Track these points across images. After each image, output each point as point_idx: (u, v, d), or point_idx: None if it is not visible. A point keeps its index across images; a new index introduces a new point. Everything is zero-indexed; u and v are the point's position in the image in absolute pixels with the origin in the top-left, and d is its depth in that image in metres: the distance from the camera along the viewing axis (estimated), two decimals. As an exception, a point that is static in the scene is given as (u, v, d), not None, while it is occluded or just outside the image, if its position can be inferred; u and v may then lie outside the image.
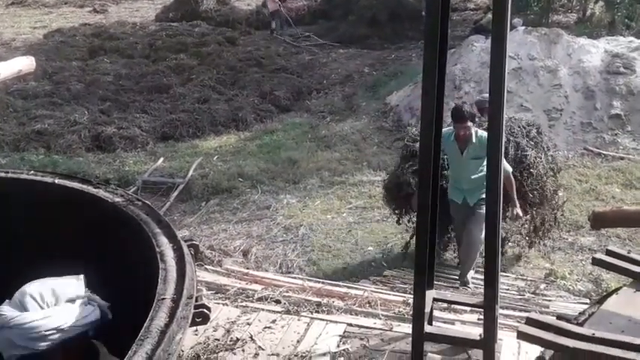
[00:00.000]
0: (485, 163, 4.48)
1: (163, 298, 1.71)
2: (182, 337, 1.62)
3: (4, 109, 10.15)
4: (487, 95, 5.48)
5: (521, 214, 5.33)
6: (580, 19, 17.05)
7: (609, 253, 2.55)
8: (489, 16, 15.78)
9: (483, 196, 5.01)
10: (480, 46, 10.52)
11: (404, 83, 11.04)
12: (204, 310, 1.78)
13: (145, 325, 1.59)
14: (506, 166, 4.73)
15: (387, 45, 15.09)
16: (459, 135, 5.21)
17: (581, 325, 2.03)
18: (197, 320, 1.75)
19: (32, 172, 2.42)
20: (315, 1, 18.97)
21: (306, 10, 18.36)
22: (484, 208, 4.69)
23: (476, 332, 2.82)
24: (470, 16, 17.28)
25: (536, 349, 2.82)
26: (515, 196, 5.24)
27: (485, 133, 4.79)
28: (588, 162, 8.82)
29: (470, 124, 5.16)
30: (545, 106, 9.59)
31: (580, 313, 2.18)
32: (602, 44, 10.28)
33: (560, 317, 2.17)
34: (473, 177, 5.35)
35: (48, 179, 2.27)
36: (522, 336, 2.01)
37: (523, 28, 10.94)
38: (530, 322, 2.00)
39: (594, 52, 9.97)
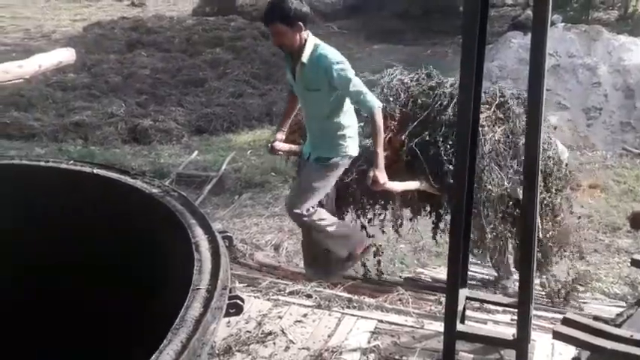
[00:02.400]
0: (333, 100, 3.77)
1: (198, 289, 1.72)
2: (216, 327, 1.63)
3: (43, 101, 10.32)
4: None
5: (381, 179, 3.66)
6: (621, 17, 16.71)
7: (649, 254, 2.50)
8: (528, 12, 15.62)
9: (329, 155, 3.86)
10: (518, 42, 10.40)
11: (439, 80, 10.96)
12: (238, 302, 1.79)
13: (180, 314, 1.60)
14: (370, 101, 3.63)
15: (421, 40, 14.99)
16: (279, 47, 3.81)
17: (618, 326, 2.00)
18: (231, 311, 1.76)
19: (72, 162, 2.46)
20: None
21: (340, 5, 18.34)
22: (325, 167, 3.91)
23: (509, 332, 2.79)
24: (508, 12, 17.08)
25: (571, 351, 2.80)
26: (381, 151, 3.68)
27: (326, 50, 3.69)
28: (627, 162, 8.67)
29: (285, 27, 3.55)
30: (583, 104, 9.44)
31: (618, 315, 2.15)
32: (644, 42, 10.05)
33: (597, 318, 2.14)
34: (312, 121, 3.95)
35: (87, 169, 2.31)
36: (558, 336, 1.98)
37: (562, 24, 10.78)
38: (566, 322, 1.98)
39: (635, 50, 9.78)
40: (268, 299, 3.61)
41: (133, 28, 15.78)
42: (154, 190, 2.18)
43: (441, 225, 4.50)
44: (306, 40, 3.66)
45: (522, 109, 4.17)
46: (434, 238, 4.69)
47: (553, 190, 4.36)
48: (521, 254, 2.58)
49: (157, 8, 20.50)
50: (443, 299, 3.59)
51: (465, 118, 2.39)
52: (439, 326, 3.15)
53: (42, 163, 2.42)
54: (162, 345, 1.49)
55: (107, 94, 10.76)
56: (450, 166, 3.78)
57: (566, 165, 4.72)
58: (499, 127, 4.10)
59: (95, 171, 2.29)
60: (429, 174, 3.97)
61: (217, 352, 3.01)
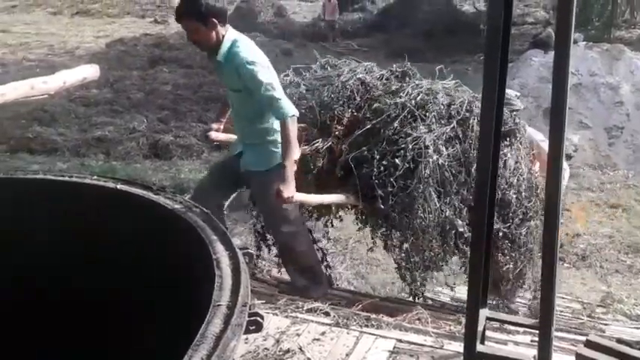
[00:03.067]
0: (257, 101, 3.47)
1: (219, 305, 1.72)
2: (236, 344, 1.63)
3: (66, 116, 10.47)
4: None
5: (286, 193, 3.27)
6: (644, 36, 16.61)
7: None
8: (549, 30, 15.56)
9: (259, 168, 3.65)
10: (539, 60, 10.38)
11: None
12: (258, 319, 1.79)
13: (201, 331, 1.61)
14: (283, 108, 3.37)
15: (441, 58, 14.99)
16: (195, 44, 3.63)
17: (642, 350, 1.97)
18: (250, 328, 1.76)
19: (95, 177, 2.48)
20: (372, 13, 19.03)
21: (361, 23, 18.44)
22: (264, 183, 3.59)
23: (530, 353, 2.77)
24: (528, 30, 17.06)
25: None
26: (290, 164, 3.33)
27: (240, 48, 3.47)
28: (649, 182, 8.59)
29: (197, 23, 3.38)
30: (605, 123, 9.39)
31: (642, 338, 2.12)
32: (666, 61, 10.01)
33: (620, 341, 2.11)
34: (240, 123, 3.80)
35: (110, 184, 2.33)
36: (581, 358, 1.96)
37: (584, 43, 10.75)
38: (589, 344, 1.96)
39: (658, 69, 9.72)
40: (286, 316, 3.60)
41: (155, 44, 16.02)
42: (176, 206, 2.20)
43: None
44: (223, 37, 3.48)
45: None
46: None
47: (515, 221, 3.70)
48: (542, 276, 2.56)
49: (179, 25, 20.66)
50: (462, 319, 3.58)
51: (487, 134, 2.39)
52: (458, 346, 3.13)
53: (65, 178, 2.45)
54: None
55: (129, 110, 10.89)
56: (381, 191, 3.43)
57: (566, 187, 4.59)
58: (451, 148, 3.53)
59: (118, 186, 2.30)
60: (359, 192, 3.57)
61: (235, 369, 3.01)
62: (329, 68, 4.15)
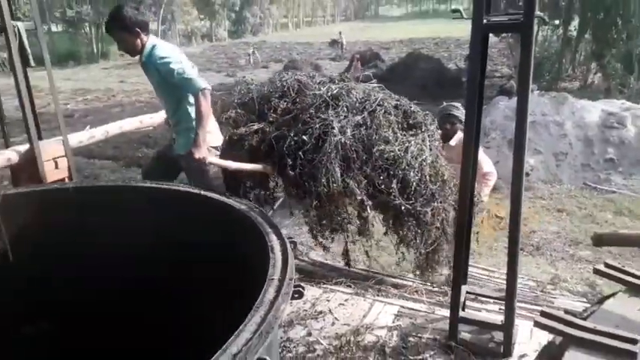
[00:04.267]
0: (176, 92, 3.18)
1: (272, 279, 1.72)
2: (285, 307, 1.62)
3: (164, 140, 10.54)
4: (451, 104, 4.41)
5: (196, 155, 3.11)
6: (582, 86, 16.37)
7: (607, 265, 2.39)
8: (512, 82, 15.36)
9: (184, 150, 3.29)
10: (504, 104, 10.26)
11: (445, 131, 10.87)
12: (300, 289, 1.78)
13: (259, 297, 1.61)
14: (194, 84, 3.10)
15: (435, 103, 14.89)
16: (125, 53, 3.30)
17: (584, 319, 1.91)
18: (295, 296, 1.75)
19: (181, 185, 2.50)
20: (382, 69, 19.00)
21: (372, 77, 18.45)
22: (188, 161, 3.18)
23: (498, 318, 2.71)
24: (497, 82, 16.83)
25: (544, 334, 2.68)
26: (202, 132, 3.13)
27: (156, 49, 3.20)
28: (586, 194, 8.41)
29: (124, 33, 3.15)
30: (553, 150, 9.25)
31: (584, 310, 2.06)
32: (599, 105, 9.87)
33: (567, 312, 2.05)
34: (169, 113, 3.45)
35: (196, 191, 2.35)
36: (538, 325, 1.90)
37: (538, 91, 10.64)
38: (544, 314, 1.90)
39: (593, 111, 9.58)
40: (319, 287, 3.59)
41: (227, 91, 16.08)
42: (242, 207, 2.20)
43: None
44: (146, 42, 3.23)
45: (392, 115, 3.28)
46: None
47: (420, 200, 3.11)
48: (508, 261, 2.51)
49: (242, 76, 20.79)
50: (448, 291, 3.52)
51: (469, 157, 2.36)
52: (445, 312, 3.08)
53: (164, 186, 2.46)
54: (247, 318, 1.50)
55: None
56: (290, 160, 3.06)
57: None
58: (357, 132, 3.12)
59: (202, 192, 2.32)
60: (277, 164, 3.21)
61: (283, 324, 3.00)
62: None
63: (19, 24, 3.27)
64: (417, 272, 3.57)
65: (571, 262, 6.13)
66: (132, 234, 2.24)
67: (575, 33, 16.78)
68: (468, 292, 2.92)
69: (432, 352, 2.70)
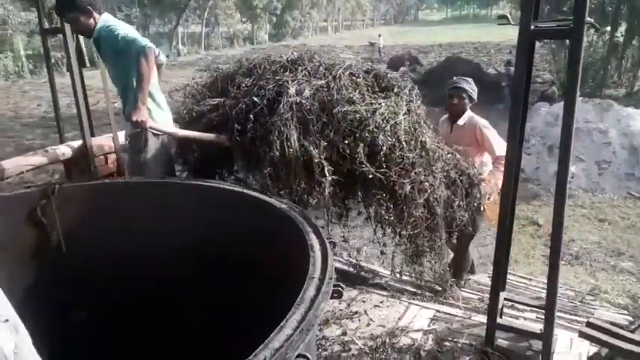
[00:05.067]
0: (125, 65, 3.00)
1: (312, 277, 1.73)
2: (324, 305, 1.63)
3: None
4: (461, 77, 4.17)
5: (134, 117, 2.90)
6: (628, 93, 15.76)
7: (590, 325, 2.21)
8: (553, 88, 14.93)
9: (136, 129, 3.08)
10: (545, 110, 10.02)
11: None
12: (340, 289, 1.78)
13: (300, 294, 1.62)
14: (139, 44, 2.93)
15: (472, 108, 14.55)
16: (79, 34, 3.21)
17: (632, 332, 1.84)
18: (334, 295, 1.75)
19: (225, 183, 2.54)
20: (420, 73, 18.83)
21: (413, 79, 18.26)
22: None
23: (536, 327, 2.63)
24: (538, 88, 16.41)
25: (585, 345, 2.59)
26: (142, 93, 2.92)
27: (106, 22, 3.09)
28: (630, 204, 8.11)
29: (76, 14, 3.05)
30: (596, 158, 8.95)
31: (630, 323, 1.98)
32: (646, 112, 9.49)
33: (613, 324, 1.98)
34: (119, 89, 3.25)
35: (238, 189, 2.38)
36: (583, 335, 1.84)
37: (581, 98, 10.34)
38: (590, 325, 1.84)
39: (638, 118, 9.21)
40: (355, 288, 3.58)
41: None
42: (282, 206, 2.22)
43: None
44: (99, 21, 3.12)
45: (361, 78, 2.95)
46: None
47: (395, 169, 2.74)
48: (549, 266, 2.44)
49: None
50: (485, 298, 3.45)
51: (511, 163, 2.31)
52: (482, 318, 3.02)
53: (208, 183, 2.50)
54: (288, 314, 1.51)
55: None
56: (237, 125, 2.82)
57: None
58: (318, 93, 2.80)
59: (243, 190, 2.35)
60: (231, 134, 2.87)
61: (319, 322, 3.01)
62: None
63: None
64: (404, 264, 3.13)
65: (612, 273, 5.91)
66: (174, 230, 2.29)
67: (622, 39, 16.18)
68: (505, 299, 2.85)
69: (467, 358, 2.65)
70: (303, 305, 1.56)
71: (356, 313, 3.18)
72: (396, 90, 2.99)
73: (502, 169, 3.28)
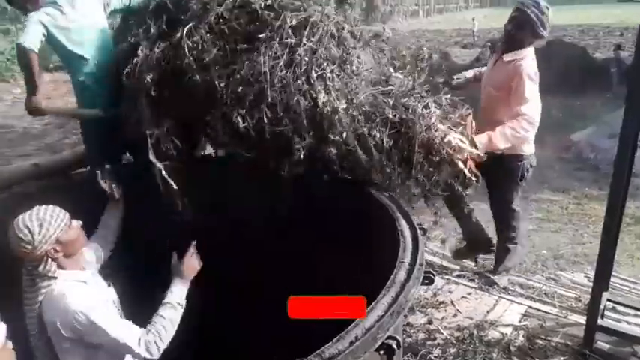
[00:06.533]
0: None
1: (402, 262, 1.73)
2: (414, 290, 1.62)
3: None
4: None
5: (27, 106, 2.50)
6: None
7: None
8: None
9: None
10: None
11: (586, 125, 9.89)
12: (431, 275, 1.76)
13: (391, 278, 1.62)
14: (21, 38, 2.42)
15: (576, 94, 13.43)
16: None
17: None
18: (425, 281, 1.74)
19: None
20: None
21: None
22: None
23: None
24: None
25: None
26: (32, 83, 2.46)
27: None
28: None
29: None
30: None
31: None
32: None
33: None
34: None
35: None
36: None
37: None
38: None
39: None
40: (441, 278, 3.51)
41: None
42: (374, 192, 2.22)
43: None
44: None
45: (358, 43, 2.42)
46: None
47: (377, 121, 2.22)
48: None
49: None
50: (583, 298, 3.24)
51: (624, 158, 2.13)
52: (578, 318, 2.85)
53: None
54: (379, 296, 1.52)
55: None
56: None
57: None
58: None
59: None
60: None
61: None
62: None
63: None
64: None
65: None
66: (273, 209, 2.36)
67: None
68: (608, 300, 2.67)
69: (562, 358, 2.51)
70: (394, 288, 1.56)
71: (442, 302, 3.13)
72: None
73: (518, 128, 2.65)
